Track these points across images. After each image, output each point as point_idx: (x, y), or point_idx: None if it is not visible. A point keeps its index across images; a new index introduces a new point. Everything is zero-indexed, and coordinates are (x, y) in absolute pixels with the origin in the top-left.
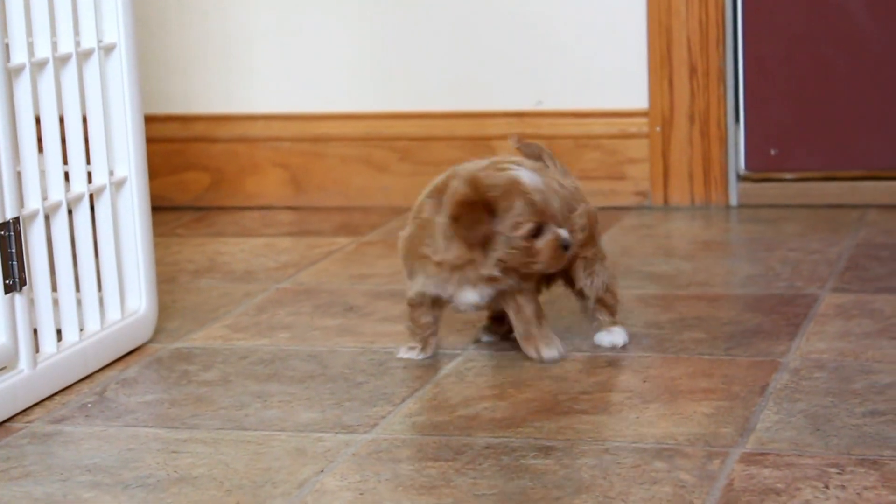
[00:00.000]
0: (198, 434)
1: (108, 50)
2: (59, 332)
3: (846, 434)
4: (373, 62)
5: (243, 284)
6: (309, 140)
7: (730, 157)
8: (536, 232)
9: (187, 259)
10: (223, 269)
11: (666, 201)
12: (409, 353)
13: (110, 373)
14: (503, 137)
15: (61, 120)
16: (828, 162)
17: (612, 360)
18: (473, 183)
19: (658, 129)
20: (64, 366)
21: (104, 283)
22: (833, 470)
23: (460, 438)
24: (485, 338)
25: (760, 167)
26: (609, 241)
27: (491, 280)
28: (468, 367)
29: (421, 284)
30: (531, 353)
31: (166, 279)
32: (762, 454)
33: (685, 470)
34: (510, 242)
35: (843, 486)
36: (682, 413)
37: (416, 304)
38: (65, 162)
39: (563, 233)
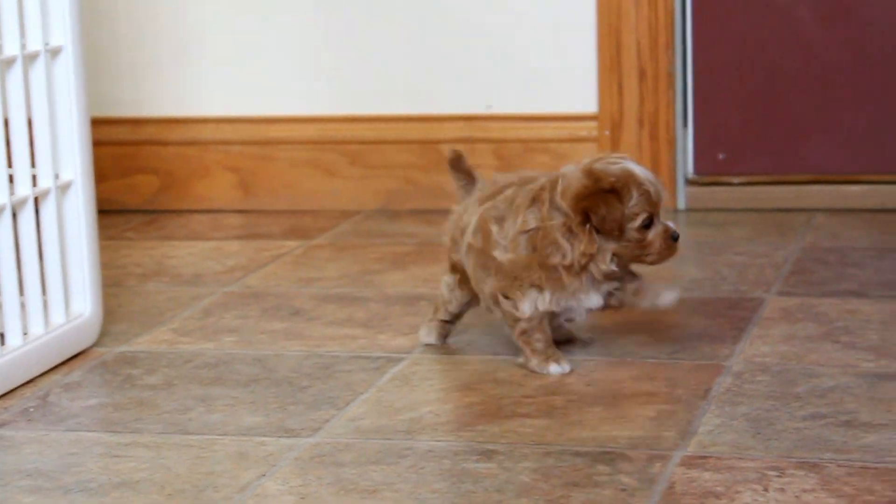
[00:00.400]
0: (140, 438)
1: (55, 53)
2: (1, 335)
3: (787, 437)
4: (323, 66)
5: (191, 288)
6: (259, 143)
7: (678, 161)
8: (648, 223)
9: (135, 262)
10: (171, 272)
11: None
12: (559, 368)
13: (54, 377)
14: (453, 141)
15: (6, 122)
16: (775, 166)
17: None
18: (592, 174)
19: (607, 132)
20: (7, 370)
21: (49, 286)
22: (773, 473)
23: (403, 442)
24: (428, 339)
25: (708, 171)
26: None
27: (609, 276)
28: (413, 371)
29: (547, 301)
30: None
31: (113, 282)
32: (703, 457)
33: (626, 473)
34: (626, 234)
35: (782, 490)
36: (625, 416)
37: (534, 323)
38: (9, 165)
39: (671, 224)
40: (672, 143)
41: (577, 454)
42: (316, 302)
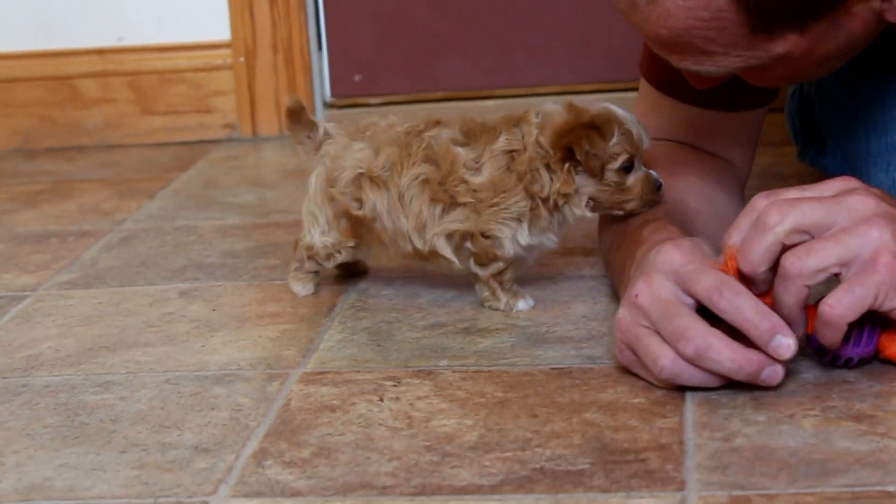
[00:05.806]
0: None
1: None
2: None
3: (406, 348)
4: None
5: None
6: None
7: (315, 85)
8: (629, 166)
9: None
10: None
11: (255, 132)
12: (526, 303)
13: None
14: (87, 75)
15: None
16: (411, 85)
17: (183, 292)
18: (574, 110)
19: (242, 59)
20: None
21: None
22: (389, 383)
23: (19, 380)
24: (306, 291)
25: (345, 93)
26: (195, 174)
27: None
28: (37, 308)
29: (526, 235)
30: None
31: None
32: (322, 373)
33: (244, 394)
34: (605, 176)
35: (397, 398)
36: (248, 338)
37: (509, 262)
38: None
39: (654, 173)
40: (308, 67)
41: (197, 378)
42: None
